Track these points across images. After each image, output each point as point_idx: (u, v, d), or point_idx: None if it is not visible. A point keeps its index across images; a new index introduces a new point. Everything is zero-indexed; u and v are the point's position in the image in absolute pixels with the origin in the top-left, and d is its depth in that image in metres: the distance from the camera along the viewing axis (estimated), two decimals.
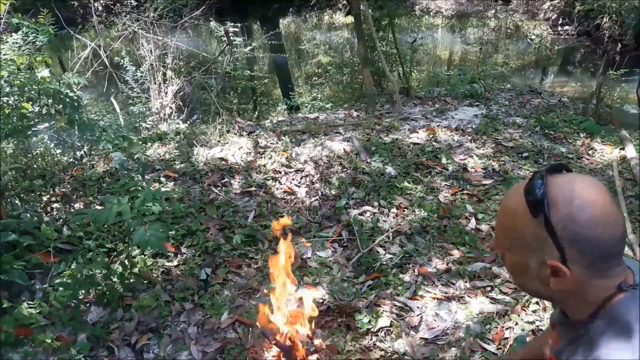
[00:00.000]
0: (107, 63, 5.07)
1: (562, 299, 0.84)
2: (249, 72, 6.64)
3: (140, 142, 3.96)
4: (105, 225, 2.71)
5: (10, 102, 2.61)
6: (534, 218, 0.78)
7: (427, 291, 2.48)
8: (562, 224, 0.75)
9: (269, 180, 3.54)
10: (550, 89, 7.37)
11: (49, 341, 1.98)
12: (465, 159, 4.03)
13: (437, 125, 4.86)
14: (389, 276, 2.56)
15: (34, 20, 2.86)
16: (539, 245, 0.79)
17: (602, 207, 0.75)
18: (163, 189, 3.17)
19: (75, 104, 2.58)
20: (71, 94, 2.60)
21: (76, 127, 2.65)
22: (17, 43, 2.76)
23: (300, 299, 2.34)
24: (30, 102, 2.68)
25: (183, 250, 2.72)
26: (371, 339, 2.17)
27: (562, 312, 0.90)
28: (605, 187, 0.80)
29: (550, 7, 13.54)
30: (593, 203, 0.75)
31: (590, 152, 4.26)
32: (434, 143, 4.35)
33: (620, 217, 0.77)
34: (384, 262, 2.67)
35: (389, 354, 2.09)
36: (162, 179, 3.43)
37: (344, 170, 3.70)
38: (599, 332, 0.77)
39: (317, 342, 2.02)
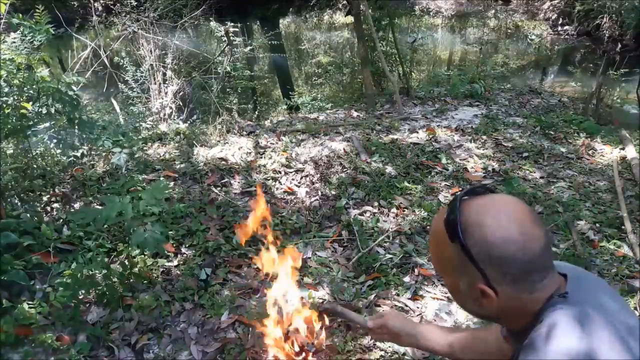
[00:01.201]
0: (107, 63, 5.07)
1: (499, 317, 0.85)
2: (249, 72, 6.64)
3: (140, 141, 3.97)
4: (105, 225, 2.71)
5: (10, 102, 2.60)
6: (452, 244, 0.79)
7: (427, 291, 2.48)
8: (476, 247, 0.77)
9: (269, 180, 3.54)
10: (550, 89, 7.38)
11: (49, 341, 1.98)
12: (465, 159, 4.03)
13: (437, 125, 4.86)
14: (389, 276, 2.56)
15: (33, 20, 2.86)
16: (463, 268, 0.80)
17: (515, 226, 0.76)
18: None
19: (74, 102, 2.58)
20: (70, 93, 2.60)
21: (75, 125, 2.64)
22: (15, 42, 2.76)
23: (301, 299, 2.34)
24: (30, 102, 2.68)
25: (183, 250, 2.71)
26: (371, 339, 2.17)
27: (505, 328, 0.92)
28: (524, 204, 0.81)
29: (550, 7, 13.54)
30: (504, 223, 0.76)
31: (590, 152, 4.26)
32: (433, 143, 4.35)
33: (539, 232, 0.77)
34: (384, 262, 2.67)
35: (389, 354, 2.09)
36: (162, 179, 3.42)
37: (344, 170, 3.70)
38: (528, 342, 0.78)
39: (317, 342, 2.02)
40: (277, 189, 3.46)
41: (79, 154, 3.62)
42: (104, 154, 3.65)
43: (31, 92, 2.66)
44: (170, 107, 5.06)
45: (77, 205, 3.05)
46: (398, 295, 2.44)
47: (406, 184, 3.51)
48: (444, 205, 3.24)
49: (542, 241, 0.77)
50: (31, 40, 2.78)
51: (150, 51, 5.13)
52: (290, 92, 7.04)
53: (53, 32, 2.88)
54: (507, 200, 0.81)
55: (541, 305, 0.80)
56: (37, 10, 2.89)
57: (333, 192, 3.39)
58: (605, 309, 0.78)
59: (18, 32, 2.82)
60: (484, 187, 0.85)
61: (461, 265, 0.80)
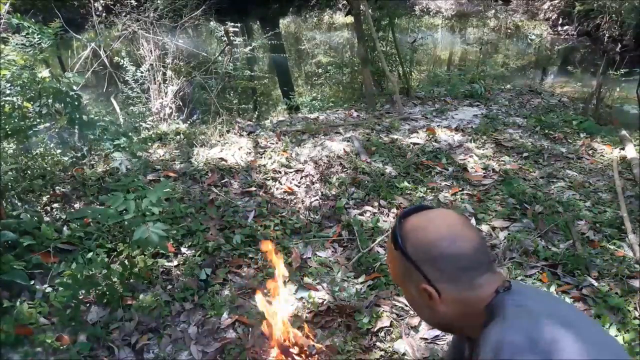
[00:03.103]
0: (107, 63, 5.07)
1: (456, 324, 0.91)
2: (249, 72, 6.64)
3: (140, 142, 3.97)
4: (106, 225, 2.71)
5: (12, 102, 2.61)
6: (396, 251, 0.91)
7: None
8: (413, 249, 0.88)
9: (269, 180, 3.54)
10: (550, 89, 7.38)
11: (49, 341, 1.98)
12: (465, 159, 4.03)
13: (437, 125, 4.86)
14: (389, 276, 2.56)
15: (33, 20, 2.86)
16: (409, 274, 0.90)
17: (444, 228, 0.87)
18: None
19: (76, 102, 2.58)
20: (71, 93, 2.60)
21: (76, 125, 2.65)
22: (20, 44, 2.77)
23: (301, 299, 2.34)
24: (31, 102, 2.68)
25: (183, 250, 2.71)
26: (371, 339, 2.17)
27: (467, 339, 0.97)
28: (456, 214, 0.93)
29: (550, 7, 13.54)
30: (435, 227, 0.88)
31: (590, 152, 4.26)
32: (433, 143, 4.35)
33: (470, 233, 0.88)
34: (384, 262, 2.67)
35: (389, 354, 2.09)
36: (162, 179, 3.43)
37: (344, 170, 3.70)
38: (485, 339, 0.83)
39: (317, 342, 2.02)
40: (277, 189, 3.46)
41: (79, 154, 3.62)
42: (104, 154, 3.65)
43: (32, 92, 2.66)
44: (170, 107, 5.06)
45: (77, 206, 3.05)
46: (398, 295, 2.44)
47: (406, 184, 3.51)
48: (444, 205, 3.24)
49: (474, 241, 0.87)
50: (38, 42, 2.79)
51: (151, 51, 5.13)
52: (290, 92, 7.04)
53: (60, 36, 2.90)
54: (440, 211, 0.94)
55: (488, 301, 0.86)
56: (54, 20, 2.91)
57: (333, 192, 3.39)
58: (543, 299, 0.90)
59: (23, 33, 2.83)
60: (422, 206, 0.97)
61: (406, 271, 0.90)
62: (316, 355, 1.95)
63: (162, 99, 5.05)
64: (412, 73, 7.05)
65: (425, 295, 0.88)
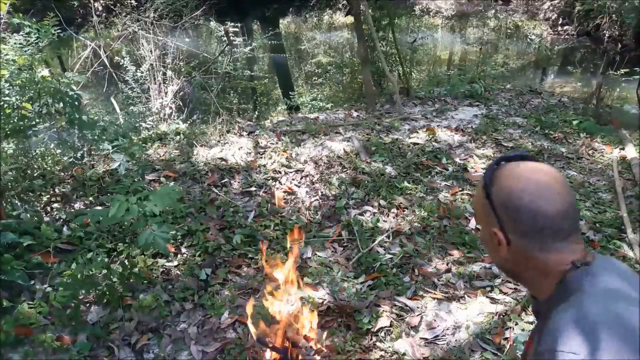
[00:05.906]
0: (107, 63, 5.07)
1: (520, 274, 0.90)
2: (249, 72, 6.64)
3: (140, 143, 3.96)
4: (106, 226, 2.71)
5: (12, 102, 2.60)
6: (482, 190, 0.91)
7: (427, 291, 2.48)
8: (497, 194, 0.87)
9: (269, 180, 3.54)
10: (550, 89, 7.38)
11: (49, 341, 1.98)
12: (465, 159, 4.03)
13: (437, 125, 4.86)
14: (389, 276, 2.56)
15: (34, 20, 2.86)
16: (487, 216, 0.90)
17: (534, 183, 0.83)
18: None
19: (75, 102, 2.58)
20: (71, 93, 2.59)
21: (76, 126, 2.64)
22: (19, 43, 2.76)
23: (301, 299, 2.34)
24: (31, 102, 2.68)
25: (183, 250, 2.71)
26: (371, 339, 2.17)
27: (533, 298, 0.95)
28: (556, 172, 0.87)
29: (550, 7, 13.53)
30: (528, 179, 0.84)
31: (590, 152, 4.26)
32: (433, 143, 4.35)
33: (560, 196, 0.82)
34: (384, 262, 2.67)
35: (389, 354, 2.09)
36: (162, 179, 3.43)
37: (344, 170, 3.70)
38: (556, 318, 0.78)
39: (316, 343, 2.02)
40: (277, 189, 3.46)
41: (79, 155, 3.62)
42: (104, 154, 3.65)
43: (32, 92, 2.66)
44: (170, 107, 5.06)
45: (77, 206, 3.06)
46: (398, 295, 2.44)
47: (406, 184, 3.51)
48: (444, 205, 3.24)
49: (559, 205, 0.82)
50: (36, 41, 2.78)
51: (151, 51, 5.13)
52: (290, 92, 7.04)
53: (57, 34, 2.89)
54: (538, 166, 0.87)
55: (562, 269, 0.83)
56: (48, 15, 2.90)
57: (333, 192, 3.39)
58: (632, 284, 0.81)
59: (22, 33, 2.82)
60: (524, 155, 0.92)
61: (486, 211, 0.90)
62: (315, 355, 1.95)
63: (162, 99, 5.05)
64: (412, 73, 7.05)
65: (495, 239, 0.88)
